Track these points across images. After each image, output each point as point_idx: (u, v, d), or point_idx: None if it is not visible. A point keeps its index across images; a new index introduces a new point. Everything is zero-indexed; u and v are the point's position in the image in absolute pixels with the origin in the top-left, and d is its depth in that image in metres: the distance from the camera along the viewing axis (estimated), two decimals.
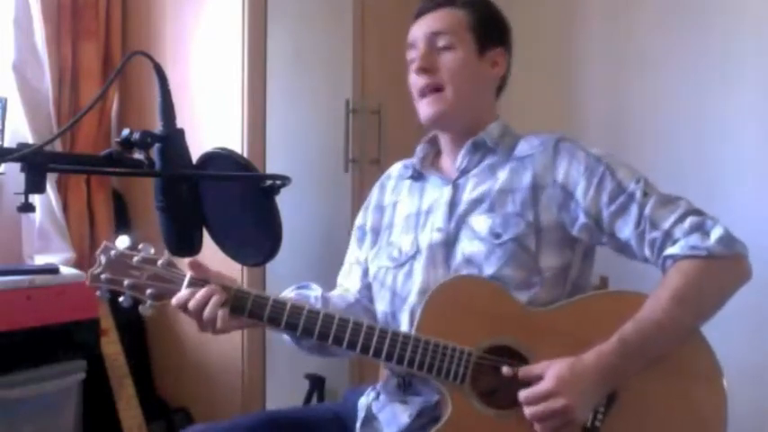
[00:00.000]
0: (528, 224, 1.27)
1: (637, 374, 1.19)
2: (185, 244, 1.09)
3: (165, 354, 2.50)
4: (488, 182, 1.34)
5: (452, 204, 1.35)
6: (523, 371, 1.19)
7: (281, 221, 1.09)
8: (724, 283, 1.22)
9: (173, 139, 1.02)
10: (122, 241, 1.26)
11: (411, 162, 1.47)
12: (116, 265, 1.24)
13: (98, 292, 1.25)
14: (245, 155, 2.13)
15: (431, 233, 1.34)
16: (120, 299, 1.24)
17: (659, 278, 1.24)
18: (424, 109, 1.36)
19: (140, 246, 1.26)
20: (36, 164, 0.90)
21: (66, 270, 2.15)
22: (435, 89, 1.35)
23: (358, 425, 1.37)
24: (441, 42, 1.35)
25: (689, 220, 1.22)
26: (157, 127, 1.02)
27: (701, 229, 1.21)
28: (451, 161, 1.41)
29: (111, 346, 2.18)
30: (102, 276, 1.24)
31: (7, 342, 1.95)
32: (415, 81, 1.37)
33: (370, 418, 1.36)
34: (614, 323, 1.19)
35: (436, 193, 1.39)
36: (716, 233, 1.20)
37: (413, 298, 1.32)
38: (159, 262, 1.24)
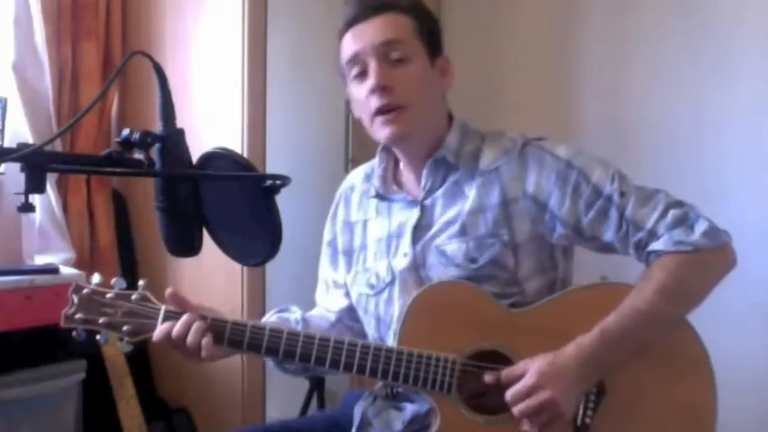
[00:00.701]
0: (503, 243, 1.25)
1: (624, 365, 1.19)
2: (185, 244, 1.09)
3: (165, 354, 2.49)
4: (458, 203, 1.29)
5: (420, 227, 1.31)
6: (506, 374, 1.18)
7: (280, 221, 1.08)
8: (710, 274, 1.22)
9: (173, 139, 1.02)
10: (95, 278, 1.24)
11: (371, 175, 1.41)
12: (89, 304, 1.21)
13: (74, 333, 1.22)
14: (245, 155, 2.13)
15: (401, 258, 1.32)
16: (98, 336, 1.22)
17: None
18: (384, 128, 1.27)
19: (113, 281, 1.23)
20: (36, 164, 0.90)
21: (66, 270, 2.15)
22: (396, 107, 1.25)
23: (354, 430, 1.36)
24: (394, 54, 1.25)
25: (671, 214, 1.20)
26: (157, 127, 1.02)
27: (684, 222, 1.20)
28: (414, 178, 1.35)
29: (111, 347, 2.18)
30: (77, 317, 1.21)
31: (7, 342, 1.95)
32: (369, 100, 1.26)
33: (365, 423, 1.35)
34: (597, 315, 1.19)
35: (404, 215, 1.34)
36: (700, 227, 1.19)
37: (396, 324, 1.29)
38: (133, 297, 1.22)
